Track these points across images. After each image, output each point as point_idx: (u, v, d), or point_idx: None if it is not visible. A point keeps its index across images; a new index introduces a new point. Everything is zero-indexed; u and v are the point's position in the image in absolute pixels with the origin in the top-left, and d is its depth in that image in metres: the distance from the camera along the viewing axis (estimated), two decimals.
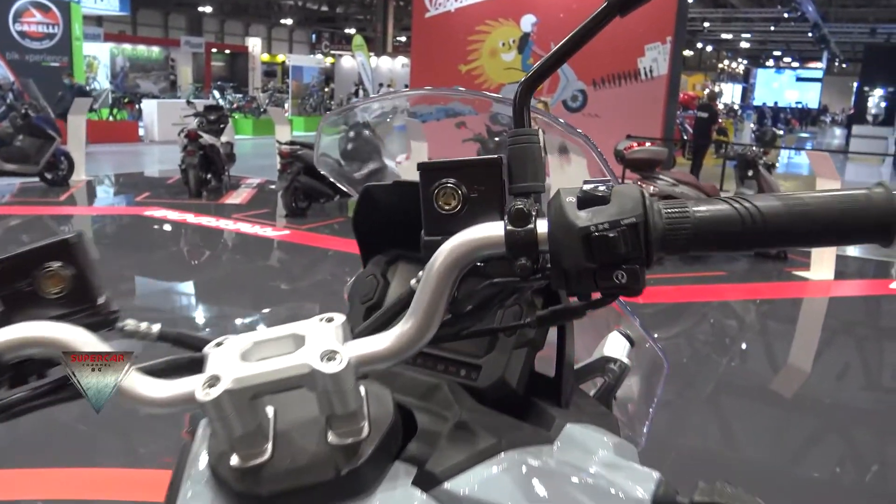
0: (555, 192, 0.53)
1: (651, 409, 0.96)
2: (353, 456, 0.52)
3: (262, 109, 20.65)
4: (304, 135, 15.32)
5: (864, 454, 3.27)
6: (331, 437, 0.53)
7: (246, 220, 7.65)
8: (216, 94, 22.52)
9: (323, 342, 0.51)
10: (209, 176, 9.24)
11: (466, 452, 0.56)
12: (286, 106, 21.11)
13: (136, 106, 19.32)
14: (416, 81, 12.03)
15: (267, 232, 7.27)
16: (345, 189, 1.02)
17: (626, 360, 0.89)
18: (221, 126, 9.77)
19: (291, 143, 8.08)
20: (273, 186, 9.60)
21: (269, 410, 0.56)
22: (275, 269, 6.42)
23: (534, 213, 0.51)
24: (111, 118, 18.49)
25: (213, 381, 0.50)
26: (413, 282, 0.59)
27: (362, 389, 0.55)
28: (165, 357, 0.59)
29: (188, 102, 11.55)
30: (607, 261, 0.49)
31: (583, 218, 0.49)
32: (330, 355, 0.50)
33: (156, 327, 0.60)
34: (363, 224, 0.88)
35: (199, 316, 4.93)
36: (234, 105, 21.33)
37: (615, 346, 0.91)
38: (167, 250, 7.00)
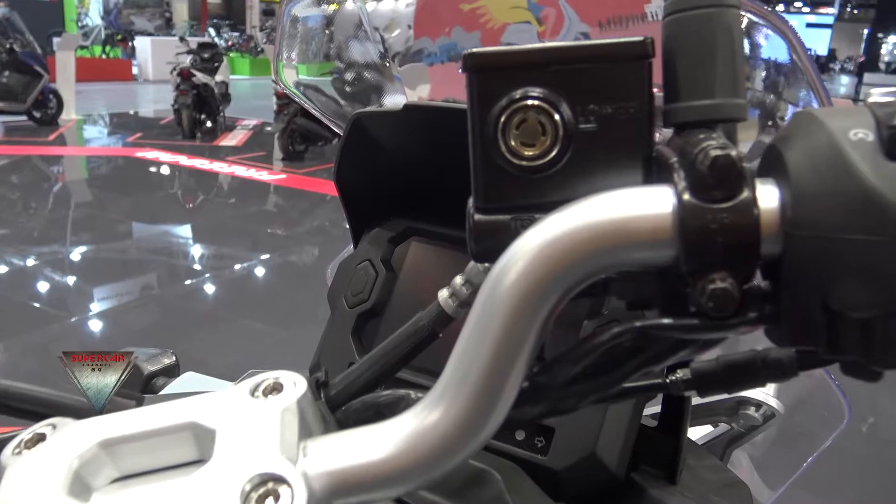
0: (797, 113, 0.26)
1: (798, 471, 0.68)
2: None
3: (259, 49, 20.13)
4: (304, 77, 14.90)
5: None
6: None
7: (241, 163, 7.40)
8: (212, 32, 21.94)
9: (252, 452, 0.26)
10: (203, 116, 8.94)
11: None
12: None
13: (130, 43, 18.80)
14: (420, 20, 11.57)
15: (263, 175, 7.04)
16: (328, 123, 0.76)
17: (774, 404, 0.63)
18: (216, 65, 9.42)
19: None
20: (269, 128, 9.31)
21: None
22: (271, 215, 6.22)
23: (746, 168, 0.25)
24: (104, 56, 18.00)
25: None
26: (445, 294, 0.34)
27: None
28: None
29: (181, 40, 11.16)
30: None
31: None
32: (268, 489, 0.25)
33: None
34: (352, 176, 0.59)
35: (189, 264, 4.76)
36: (231, 44, 20.81)
37: None
38: (159, 193, 6.78)
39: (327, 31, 0.91)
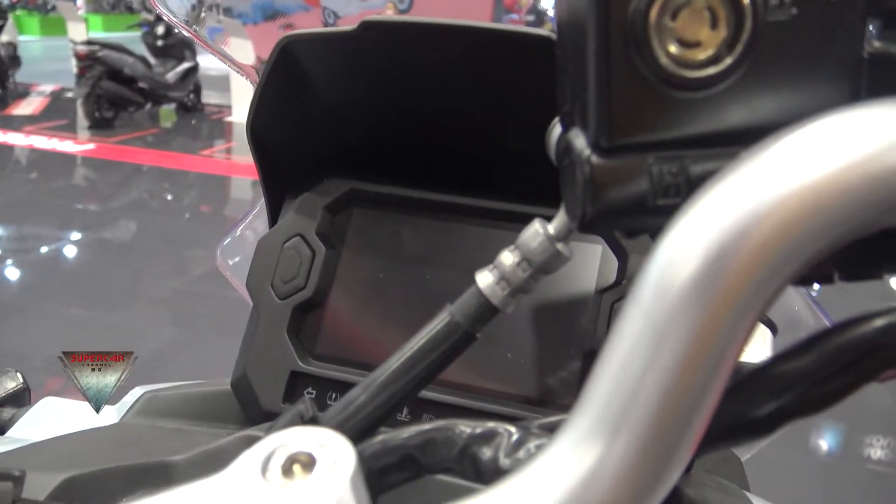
0: None
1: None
2: None
3: (50, 6, 18.25)
4: (104, 35, 13.74)
5: None
6: None
7: (40, 133, 6.70)
8: None
9: None
10: None
11: None
12: (78, 2, 18.79)
13: None
14: None
15: (67, 146, 6.42)
16: (221, 59, 0.62)
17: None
18: (0, 24, 8.48)
19: (90, 43, 7.13)
20: (71, 94, 8.50)
21: None
22: (80, 189, 5.70)
23: None
24: None
25: None
26: (491, 280, 0.25)
27: None
28: None
29: None
30: None
31: None
32: None
33: None
34: (274, 124, 0.44)
35: None
36: (15, 0, 18.68)
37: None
38: None
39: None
